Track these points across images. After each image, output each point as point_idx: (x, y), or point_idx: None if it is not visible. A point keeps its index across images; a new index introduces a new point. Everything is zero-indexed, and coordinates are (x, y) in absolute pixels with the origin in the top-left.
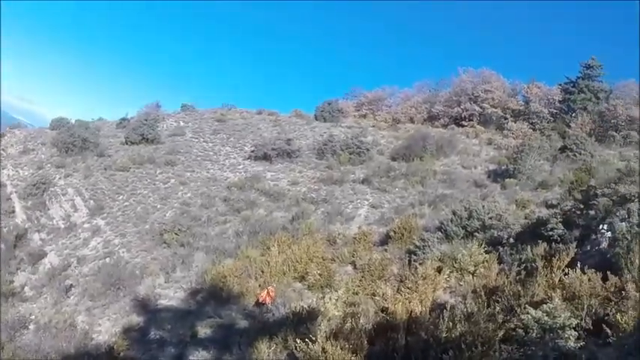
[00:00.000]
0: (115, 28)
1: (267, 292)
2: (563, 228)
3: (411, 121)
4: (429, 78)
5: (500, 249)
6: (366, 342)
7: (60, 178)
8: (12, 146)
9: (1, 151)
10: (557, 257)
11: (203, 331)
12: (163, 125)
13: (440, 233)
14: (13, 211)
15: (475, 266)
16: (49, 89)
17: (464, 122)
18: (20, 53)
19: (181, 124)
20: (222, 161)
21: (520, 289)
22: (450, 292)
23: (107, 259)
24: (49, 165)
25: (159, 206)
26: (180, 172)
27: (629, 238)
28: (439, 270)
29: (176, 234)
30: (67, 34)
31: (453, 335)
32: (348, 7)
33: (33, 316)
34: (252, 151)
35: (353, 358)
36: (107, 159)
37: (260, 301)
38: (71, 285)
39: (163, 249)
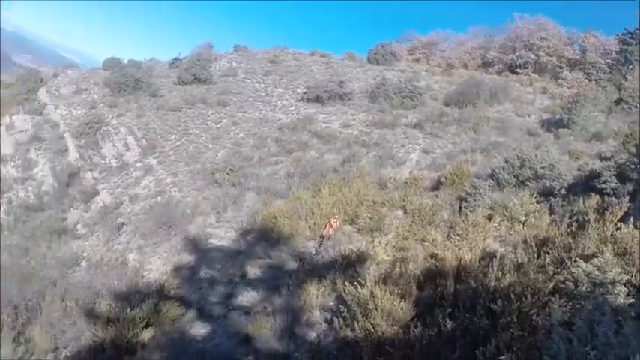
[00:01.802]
0: None
1: (330, 224)
2: (616, 181)
3: (465, 66)
4: (483, 24)
5: (552, 200)
6: (414, 287)
7: (112, 118)
8: (65, 86)
9: (54, 91)
10: (609, 211)
11: (252, 271)
12: (216, 66)
13: (491, 181)
14: (66, 150)
15: (526, 216)
16: (101, 31)
17: (518, 70)
18: None
19: (234, 64)
20: (274, 102)
21: (571, 241)
22: (500, 241)
23: (159, 198)
24: (101, 104)
25: (211, 146)
26: (232, 112)
27: None
28: (489, 218)
29: (227, 174)
30: None
31: (502, 285)
32: None
33: (85, 254)
34: (305, 93)
35: (401, 302)
36: (159, 99)
37: (323, 233)
38: (123, 223)
39: (215, 189)
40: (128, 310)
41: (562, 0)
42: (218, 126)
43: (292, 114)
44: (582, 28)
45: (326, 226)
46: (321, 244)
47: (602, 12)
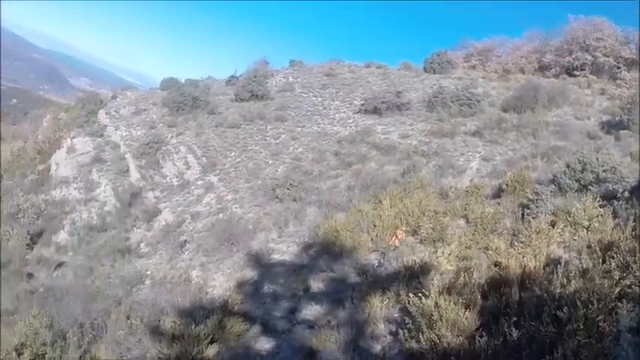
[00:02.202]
0: None
1: (396, 235)
2: None
3: (522, 71)
4: (538, 27)
5: (615, 203)
6: (479, 297)
7: (172, 137)
8: (124, 107)
9: (114, 112)
10: None
11: (316, 285)
12: (272, 81)
13: (553, 186)
14: (128, 171)
15: (589, 220)
16: (158, 52)
17: (576, 72)
18: (127, 15)
19: (290, 79)
20: (332, 115)
21: (636, 245)
22: (564, 247)
23: (220, 215)
24: (160, 124)
25: (270, 162)
26: (290, 127)
27: None
28: (553, 224)
29: (288, 189)
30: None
31: (568, 291)
32: None
33: (149, 272)
34: (362, 105)
35: (466, 312)
36: (218, 116)
37: (390, 244)
38: (185, 241)
39: (276, 204)
40: (193, 326)
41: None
42: (277, 141)
43: (350, 126)
44: (638, 27)
45: (392, 237)
46: (384, 255)
47: None
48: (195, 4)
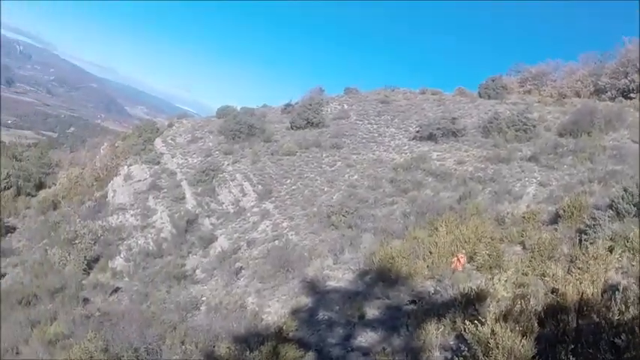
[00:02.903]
0: (275, 23)
1: (458, 259)
2: None
3: (577, 95)
4: (593, 50)
5: None
6: (535, 324)
7: (228, 165)
8: (180, 135)
9: (170, 140)
10: None
11: (371, 312)
12: (327, 109)
13: (610, 211)
14: (184, 198)
15: None
16: (214, 80)
17: (632, 94)
18: (185, 49)
19: (345, 107)
20: (387, 142)
21: None
22: (622, 273)
23: (276, 242)
24: (216, 152)
25: (326, 189)
26: (346, 154)
27: None
28: (610, 250)
29: (343, 216)
30: (228, 29)
31: (626, 318)
32: None
33: (204, 298)
34: (417, 132)
35: (523, 340)
36: (273, 144)
37: (452, 267)
38: (241, 267)
39: (331, 231)
40: (247, 352)
41: None
42: (332, 169)
43: (406, 153)
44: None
45: (454, 261)
46: (440, 282)
47: None
48: (250, 33)
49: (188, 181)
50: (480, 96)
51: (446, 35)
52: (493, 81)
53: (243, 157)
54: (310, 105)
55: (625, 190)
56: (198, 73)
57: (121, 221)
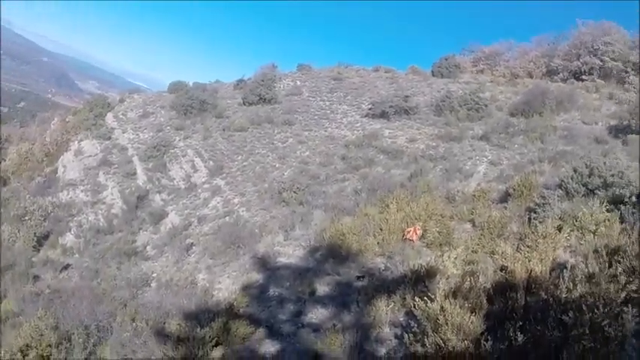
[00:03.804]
0: None
1: (414, 230)
2: None
3: (530, 75)
4: (546, 32)
5: (622, 207)
6: (485, 301)
7: (179, 140)
8: (132, 110)
9: (121, 115)
10: None
11: (322, 288)
12: (280, 85)
13: (560, 191)
14: (135, 173)
15: (596, 225)
16: (166, 55)
17: (584, 76)
18: (133, 18)
19: (298, 83)
20: (339, 119)
21: None
22: (571, 252)
23: (227, 218)
24: (168, 127)
25: (277, 165)
26: (298, 131)
27: None
28: (559, 229)
29: (295, 192)
30: (182, 5)
31: (574, 296)
32: None
33: (155, 274)
34: (370, 109)
35: (472, 316)
36: (225, 120)
37: (407, 237)
38: (192, 244)
39: (282, 207)
40: (198, 329)
41: (625, 1)
42: (284, 145)
43: (358, 130)
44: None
45: (410, 231)
46: (391, 258)
47: None
48: (203, 6)
49: (139, 157)
50: (433, 75)
51: (400, 14)
52: (446, 60)
53: (195, 132)
54: (263, 81)
55: (575, 170)
56: (151, 48)
57: (71, 197)
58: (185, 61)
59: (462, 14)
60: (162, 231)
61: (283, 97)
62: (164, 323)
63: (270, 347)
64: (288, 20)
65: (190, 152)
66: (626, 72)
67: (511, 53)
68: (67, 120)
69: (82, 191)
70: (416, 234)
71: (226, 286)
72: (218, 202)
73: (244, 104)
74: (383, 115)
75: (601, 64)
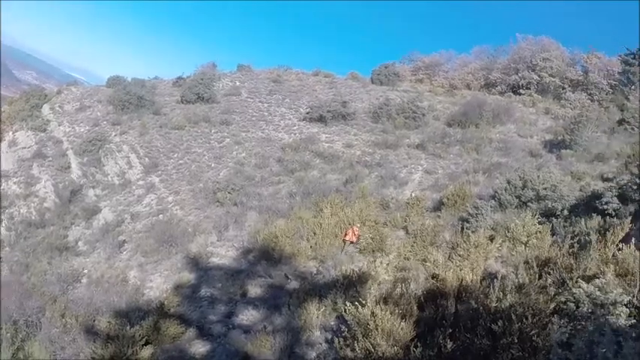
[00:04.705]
0: None
1: (353, 231)
2: (618, 202)
3: (468, 87)
4: (487, 44)
5: (554, 220)
6: (415, 308)
7: (115, 135)
8: (69, 103)
9: (58, 108)
10: (611, 232)
11: (253, 290)
12: (219, 85)
13: (493, 202)
14: (69, 167)
15: (528, 237)
16: (106, 49)
17: (521, 90)
18: (76, 16)
19: (237, 84)
20: (277, 122)
21: (572, 262)
22: (502, 262)
23: (160, 216)
24: (104, 122)
25: (213, 165)
26: (235, 131)
27: None
28: (491, 239)
29: (229, 193)
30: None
31: (503, 305)
32: None
33: (86, 271)
34: (308, 113)
35: (402, 323)
36: (163, 117)
37: (346, 238)
38: (124, 241)
39: (216, 207)
40: (128, 327)
41: (565, 19)
42: (221, 145)
43: (295, 133)
44: (585, 49)
45: (348, 232)
46: (323, 262)
47: (605, 32)
48: (147, 3)
49: (74, 151)
50: (373, 82)
51: (341, 19)
52: (386, 67)
53: (132, 128)
54: (202, 80)
55: (508, 182)
56: (90, 41)
57: (3, 189)
58: (126, 56)
59: (403, 22)
60: (94, 227)
61: (222, 96)
62: (94, 320)
63: (200, 348)
64: (231, 19)
65: (126, 148)
66: (563, 88)
67: (451, 64)
68: (1, 110)
69: (14, 183)
70: (354, 234)
71: (158, 284)
72: (152, 200)
73: (182, 102)
74: (321, 119)
75: (539, 79)
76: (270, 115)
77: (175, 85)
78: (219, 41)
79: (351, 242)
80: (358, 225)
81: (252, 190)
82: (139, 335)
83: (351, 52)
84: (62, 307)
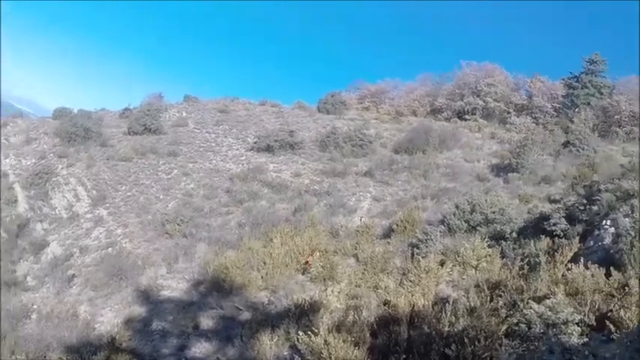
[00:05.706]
0: (116, 23)
1: (312, 255)
2: (566, 223)
3: (414, 114)
4: (432, 71)
5: (503, 243)
6: (368, 335)
7: (62, 168)
8: (14, 135)
9: (4, 141)
10: (560, 252)
11: (205, 322)
12: (166, 116)
13: (443, 227)
14: (16, 201)
15: (478, 260)
16: (52, 81)
17: (467, 116)
18: (21, 45)
19: (184, 114)
20: (224, 152)
21: (523, 283)
22: (453, 286)
23: (109, 250)
24: (51, 155)
25: (161, 197)
26: (182, 162)
27: (632, 234)
28: (442, 264)
29: (178, 225)
30: (68, 29)
31: (456, 329)
32: (349, 2)
33: (35, 306)
34: (255, 143)
35: (355, 351)
36: (110, 149)
37: (308, 262)
38: (73, 275)
39: (166, 240)
40: None
41: (508, 45)
42: (169, 176)
43: (243, 164)
44: (528, 74)
45: (309, 259)
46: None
47: (548, 57)
48: (89, 33)
49: (21, 184)
50: (319, 110)
51: (286, 48)
52: (332, 96)
53: (79, 160)
54: (149, 111)
55: (456, 206)
56: (36, 72)
57: None
58: (72, 87)
59: (348, 51)
60: (43, 261)
61: (169, 127)
62: (45, 357)
63: None
64: (177, 50)
65: (73, 181)
66: (508, 112)
67: (396, 91)
68: None
69: None
70: (312, 257)
71: (109, 319)
72: (101, 233)
73: (129, 134)
74: (268, 149)
75: (484, 104)
76: (217, 146)
77: (122, 117)
78: (166, 71)
79: (309, 265)
80: (317, 253)
81: (201, 221)
82: None
83: (298, 81)
84: (12, 344)
